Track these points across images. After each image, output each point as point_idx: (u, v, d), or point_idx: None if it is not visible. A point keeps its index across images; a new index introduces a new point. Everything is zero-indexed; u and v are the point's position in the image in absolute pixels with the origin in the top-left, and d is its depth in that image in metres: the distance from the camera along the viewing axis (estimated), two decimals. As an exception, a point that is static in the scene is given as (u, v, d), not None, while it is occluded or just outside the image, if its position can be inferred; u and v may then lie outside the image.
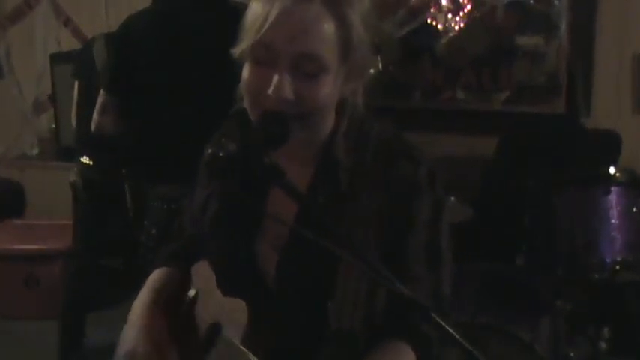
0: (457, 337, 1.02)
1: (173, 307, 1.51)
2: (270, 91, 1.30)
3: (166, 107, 2.94)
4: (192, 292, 1.47)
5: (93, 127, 3.07)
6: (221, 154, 1.24)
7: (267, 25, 1.28)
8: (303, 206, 1.35)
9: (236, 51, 1.37)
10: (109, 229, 3.58)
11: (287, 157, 1.34)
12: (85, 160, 3.52)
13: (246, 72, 1.35)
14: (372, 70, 1.47)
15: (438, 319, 1.05)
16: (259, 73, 1.32)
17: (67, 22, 4.76)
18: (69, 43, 4.72)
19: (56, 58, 4.39)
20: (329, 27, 1.31)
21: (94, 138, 3.17)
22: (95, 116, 3.05)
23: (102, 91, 3.03)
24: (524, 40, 4.03)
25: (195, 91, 2.91)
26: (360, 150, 1.43)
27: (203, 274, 1.46)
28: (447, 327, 1.04)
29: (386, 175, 1.40)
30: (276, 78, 1.29)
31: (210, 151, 1.27)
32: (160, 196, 2.98)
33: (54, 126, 4.48)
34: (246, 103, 1.38)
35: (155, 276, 1.59)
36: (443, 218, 1.45)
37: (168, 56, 2.90)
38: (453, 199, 3.15)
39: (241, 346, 1.33)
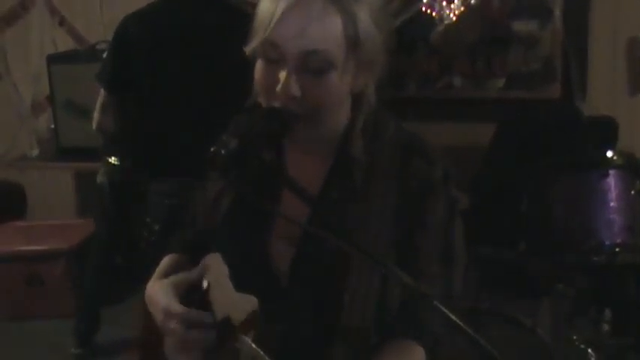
0: (460, 324, 1.04)
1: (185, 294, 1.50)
2: (277, 89, 1.30)
3: (163, 107, 2.96)
4: (205, 284, 1.47)
5: (94, 125, 3.11)
6: (222, 152, 1.26)
7: (273, 24, 1.28)
8: (315, 204, 1.35)
9: (248, 48, 1.37)
10: (133, 228, 3.59)
11: (303, 154, 1.35)
12: (112, 160, 3.52)
13: (257, 69, 1.35)
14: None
15: (441, 307, 1.06)
16: (268, 71, 1.32)
17: (62, 22, 4.76)
18: (65, 44, 4.73)
19: (53, 59, 4.40)
20: (334, 22, 1.30)
21: (120, 138, 3.20)
22: (96, 115, 3.10)
23: (102, 91, 3.06)
24: (519, 26, 4.04)
25: (191, 89, 2.93)
26: (375, 147, 1.42)
27: (215, 266, 1.45)
28: (450, 314, 1.05)
29: (400, 174, 1.40)
30: (283, 76, 1.30)
31: (212, 148, 1.28)
32: (160, 192, 3.01)
33: (53, 126, 4.49)
34: (260, 99, 1.39)
35: (167, 260, 1.58)
36: (457, 217, 1.46)
37: (164, 57, 2.92)
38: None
39: (253, 344, 1.34)
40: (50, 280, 4.16)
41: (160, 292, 1.43)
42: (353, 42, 1.33)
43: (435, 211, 1.41)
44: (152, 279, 1.53)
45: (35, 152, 4.74)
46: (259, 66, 1.35)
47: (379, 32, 1.37)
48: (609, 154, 2.83)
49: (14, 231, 4.46)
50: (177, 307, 1.37)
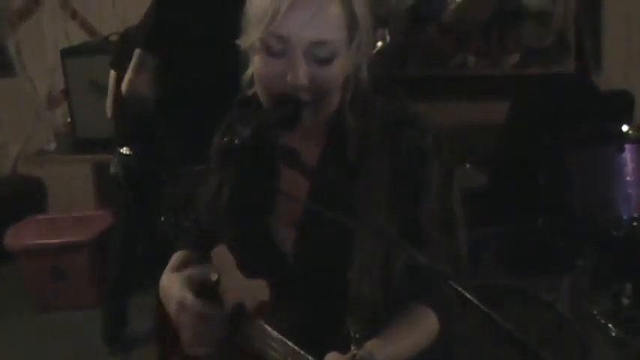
0: (474, 300, 1.04)
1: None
2: (288, 78, 1.32)
3: (202, 70, 2.90)
4: (214, 277, 1.50)
5: (125, 87, 3.01)
6: (237, 142, 1.28)
7: (279, 17, 1.30)
8: (315, 182, 1.37)
9: (244, 42, 1.39)
10: (150, 217, 3.60)
11: (296, 134, 1.37)
12: (124, 150, 3.53)
13: (258, 63, 1.37)
14: (379, 44, 1.49)
15: (455, 285, 1.07)
16: (273, 64, 1.35)
17: (74, 15, 4.78)
18: (78, 37, 4.75)
19: (66, 52, 4.42)
20: (336, 10, 1.34)
21: (133, 127, 3.16)
22: (129, 75, 3.00)
23: (137, 50, 2.98)
24: (531, 1, 4.01)
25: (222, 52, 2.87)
26: (366, 121, 1.45)
27: (223, 258, 1.48)
28: (463, 291, 1.06)
29: (393, 144, 1.43)
30: (291, 67, 1.32)
31: (225, 139, 1.30)
32: (180, 175, 2.97)
33: (69, 119, 4.52)
34: (259, 92, 1.41)
35: (177, 256, 1.61)
36: (453, 182, 1.48)
37: (211, 20, 2.83)
38: (468, 165, 3.17)
39: (265, 325, 1.36)
40: (73, 272, 4.20)
41: (173, 285, 1.45)
42: (352, 27, 1.37)
43: (431, 178, 1.44)
44: (164, 273, 1.55)
45: (53, 146, 4.78)
46: (259, 60, 1.37)
47: (369, 13, 1.40)
48: (625, 128, 2.82)
49: (36, 225, 4.50)
50: (190, 299, 1.39)
